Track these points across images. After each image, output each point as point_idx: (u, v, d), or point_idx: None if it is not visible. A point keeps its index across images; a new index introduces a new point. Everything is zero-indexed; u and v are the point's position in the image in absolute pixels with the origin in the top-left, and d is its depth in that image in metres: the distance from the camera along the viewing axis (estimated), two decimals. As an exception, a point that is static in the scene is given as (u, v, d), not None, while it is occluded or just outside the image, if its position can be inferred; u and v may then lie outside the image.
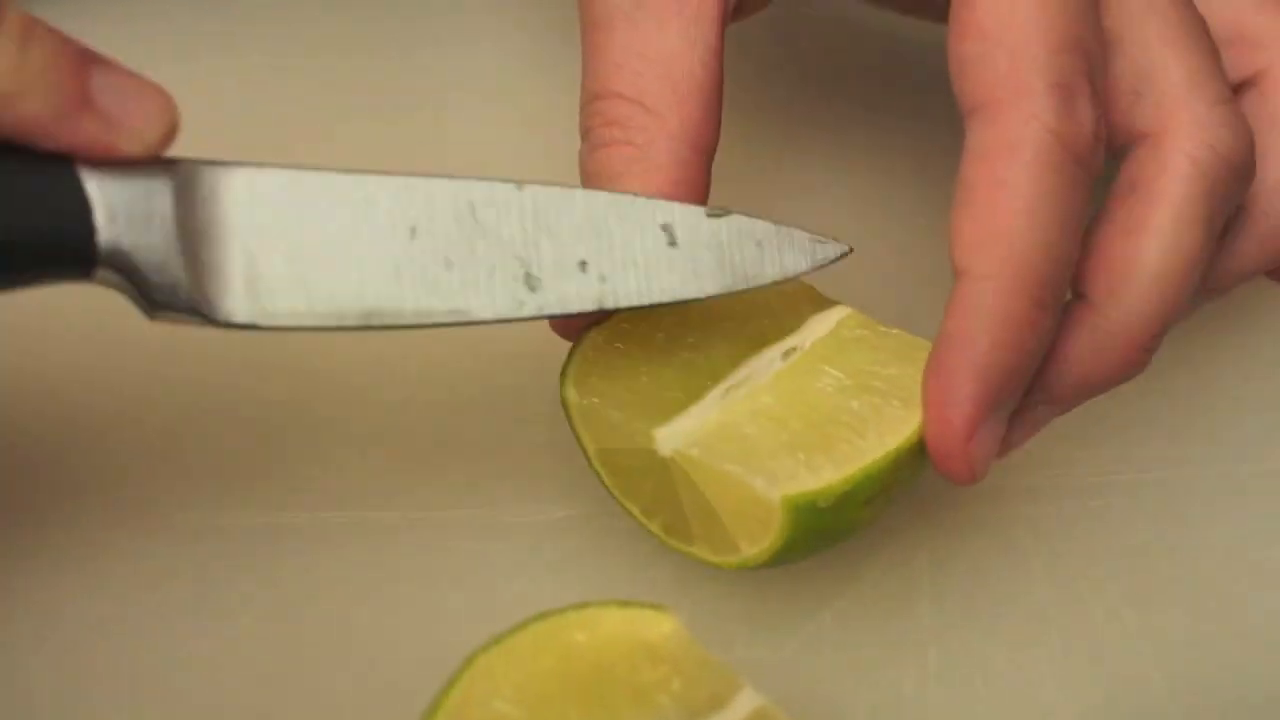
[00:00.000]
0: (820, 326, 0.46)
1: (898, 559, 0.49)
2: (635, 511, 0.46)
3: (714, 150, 0.46)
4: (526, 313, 0.42)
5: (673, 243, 0.44)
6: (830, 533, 0.44)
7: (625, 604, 0.42)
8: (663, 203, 0.44)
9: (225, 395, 0.51)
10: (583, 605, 0.41)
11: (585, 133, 0.46)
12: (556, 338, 0.46)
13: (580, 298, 0.43)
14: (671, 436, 0.44)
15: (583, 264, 0.43)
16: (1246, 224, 0.49)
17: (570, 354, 0.46)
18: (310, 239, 0.41)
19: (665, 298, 0.43)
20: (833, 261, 0.45)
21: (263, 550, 0.48)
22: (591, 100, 0.46)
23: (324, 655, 0.46)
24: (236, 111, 0.57)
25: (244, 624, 0.46)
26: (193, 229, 0.40)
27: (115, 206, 0.39)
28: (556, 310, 0.43)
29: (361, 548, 0.48)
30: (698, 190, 0.45)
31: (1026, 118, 0.42)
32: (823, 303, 0.47)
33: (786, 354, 0.45)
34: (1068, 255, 0.43)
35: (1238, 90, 0.48)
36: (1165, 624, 0.49)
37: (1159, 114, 0.45)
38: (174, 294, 0.40)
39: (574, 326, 0.46)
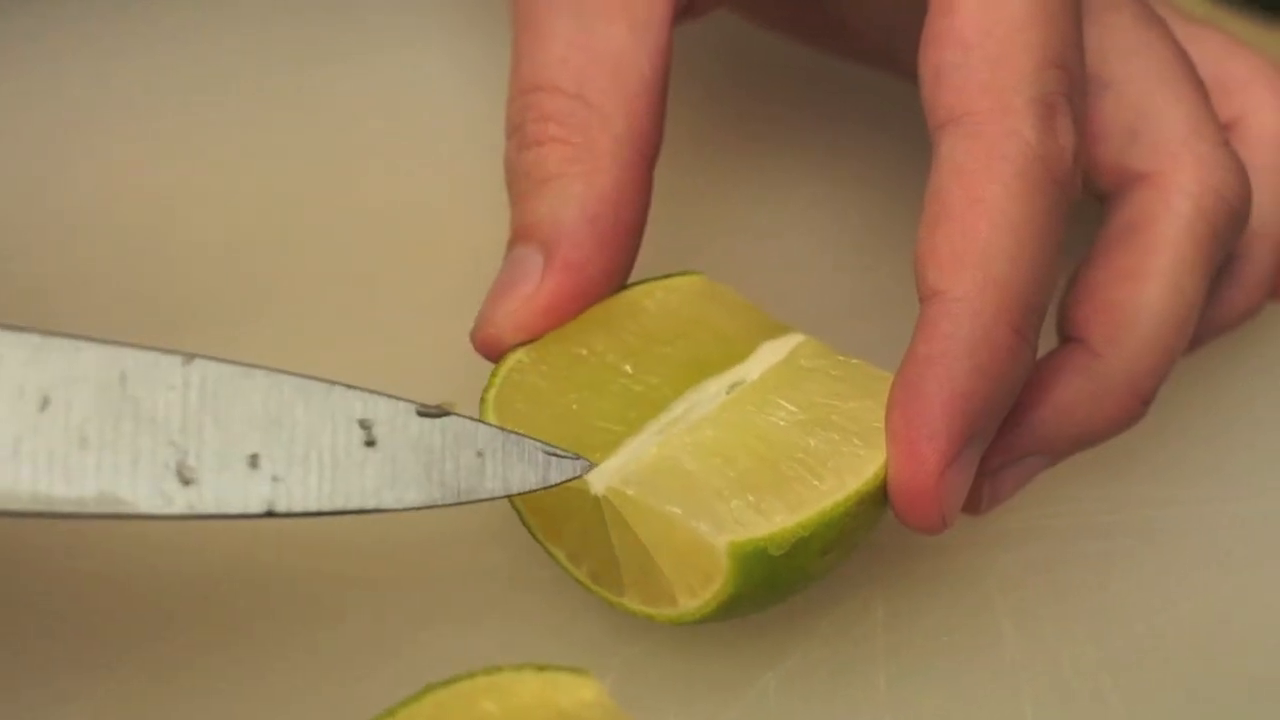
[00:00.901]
0: (772, 355, 0.43)
1: (852, 613, 0.45)
2: (560, 556, 0.42)
3: (656, 159, 0.44)
4: (175, 510, 0.36)
5: (370, 442, 0.38)
6: (781, 585, 0.41)
7: (542, 668, 0.38)
8: (366, 394, 0.38)
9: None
10: (493, 669, 0.38)
11: (514, 129, 0.44)
12: (478, 359, 0.43)
13: (245, 498, 0.37)
14: (604, 473, 0.40)
15: (253, 458, 0.37)
16: (1234, 272, 0.49)
17: (492, 376, 0.42)
18: None
19: (351, 505, 0.38)
20: (569, 480, 0.40)
21: (156, 598, 0.45)
22: (524, 93, 0.44)
23: (227, 700, 0.43)
24: (183, 124, 0.57)
25: (137, 670, 0.43)
26: None
27: None
28: (212, 511, 0.37)
29: (261, 598, 0.45)
30: (639, 201, 0.43)
31: (1007, 132, 0.41)
32: (775, 329, 0.44)
33: (733, 386, 0.43)
34: (1050, 282, 0.41)
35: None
36: (1144, 686, 0.45)
37: (1158, 155, 0.45)
38: None
39: (496, 344, 0.43)
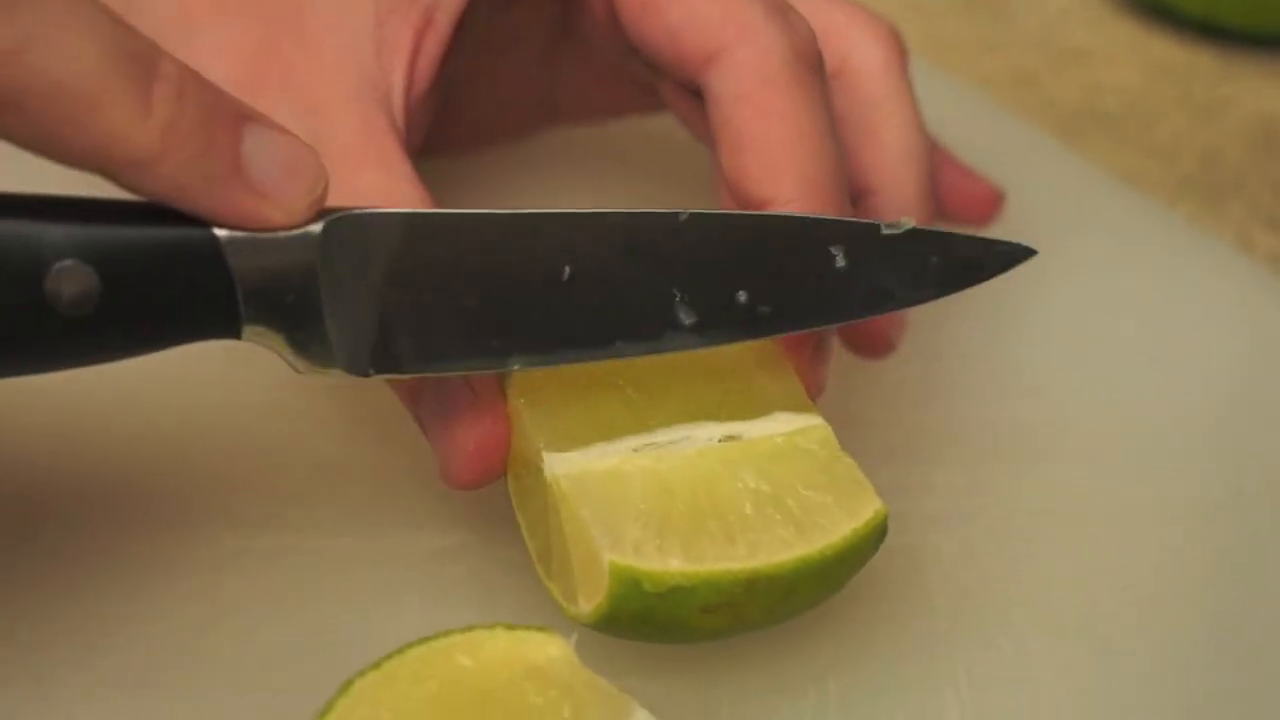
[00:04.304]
0: (780, 425, 0.43)
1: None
2: (522, 526, 0.44)
3: None
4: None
5: None
6: (658, 624, 0.40)
7: (512, 627, 0.40)
8: None
9: (101, 420, 0.49)
10: (468, 628, 0.40)
11: None
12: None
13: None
14: (559, 462, 0.41)
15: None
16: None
17: None
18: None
19: None
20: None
21: (144, 577, 0.46)
22: None
23: (204, 679, 0.44)
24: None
25: (119, 651, 0.44)
26: (335, 283, 0.39)
27: (257, 275, 0.38)
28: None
29: (241, 574, 0.47)
30: None
31: (764, 50, 0.45)
32: (802, 404, 0.44)
33: (727, 437, 0.43)
34: (839, 151, 0.46)
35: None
36: (1074, 656, 0.48)
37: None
38: (317, 354, 0.39)
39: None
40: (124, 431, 0.50)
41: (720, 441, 0.43)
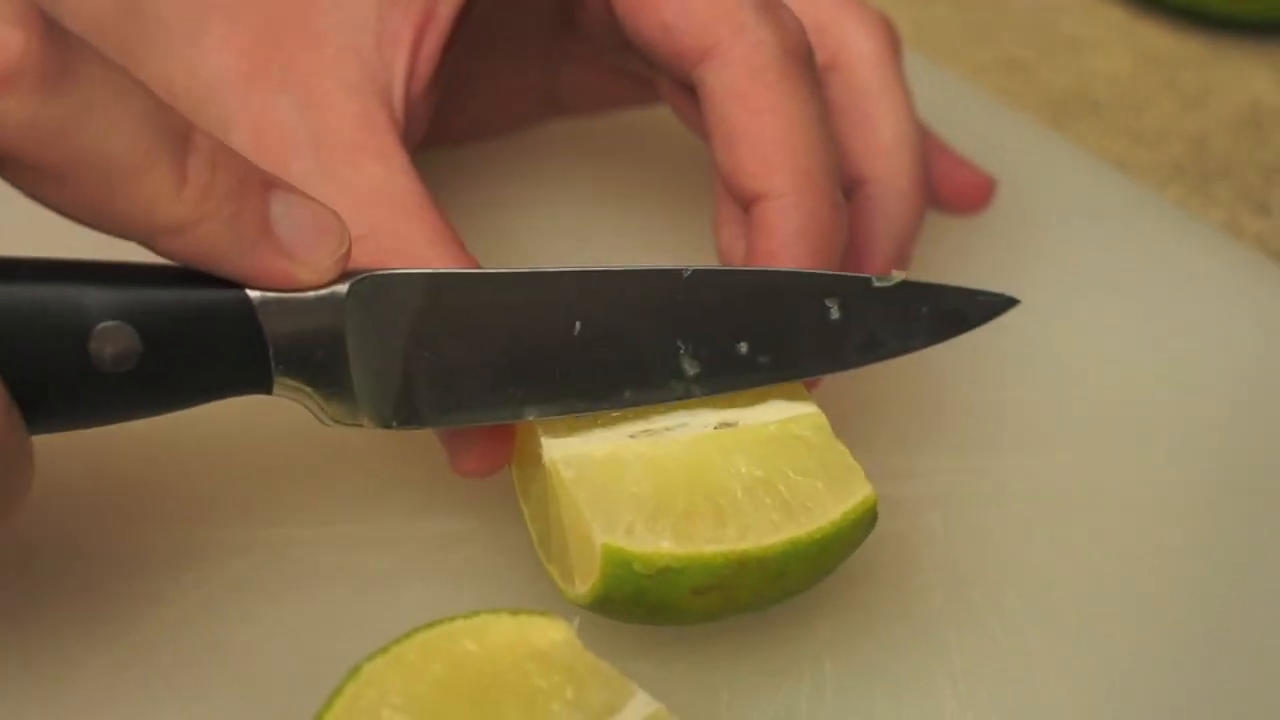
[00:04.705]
0: (776, 413, 0.44)
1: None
2: (525, 513, 0.45)
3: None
4: None
5: None
6: (651, 606, 0.41)
7: (516, 612, 0.41)
8: None
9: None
10: (472, 613, 0.41)
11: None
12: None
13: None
14: (557, 447, 0.43)
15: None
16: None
17: None
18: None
19: None
20: None
21: (154, 567, 0.47)
22: None
23: (214, 667, 0.45)
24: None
25: (130, 640, 0.45)
26: (361, 340, 0.41)
27: (287, 334, 0.40)
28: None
29: (251, 562, 0.48)
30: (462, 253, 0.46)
31: (756, 46, 0.46)
32: (798, 394, 0.45)
33: (723, 424, 0.44)
34: (832, 145, 0.47)
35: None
36: (1067, 637, 0.48)
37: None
38: (343, 407, 0.42)
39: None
40: (130, 424, 0.50)
41: (716, 428, 0.44)
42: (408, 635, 0.40)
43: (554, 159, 0.64)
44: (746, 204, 0.46)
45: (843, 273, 0.45)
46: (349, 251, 0.41)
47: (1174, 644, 0.48)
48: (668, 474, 0.42)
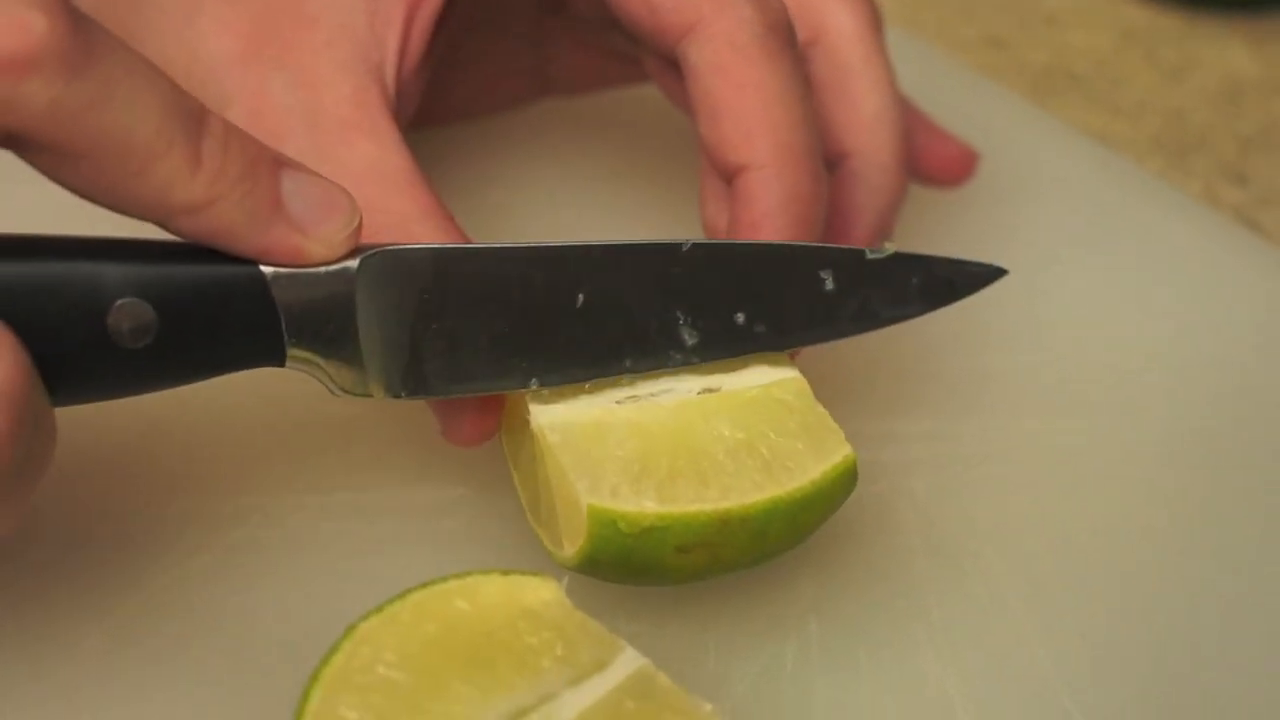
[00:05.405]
0: (757, 377, 0.46)
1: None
2: (515, 479, 0.46)
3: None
4: None
5: None
6: (637, 566, 0.42)
7: (507, 572, 0.42)
8: None
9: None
10: (464, 574, 0.42)
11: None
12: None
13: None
14: (544, 413, 0.44)
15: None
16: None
17: None
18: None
19: None
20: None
21: (156, 533, 0.48)
22: None
23: (213, 628, 0.46)
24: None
25: (136, 601, 0.46)
26: (371, 313, 0.42)
27: (300, 308, 0.41)
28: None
29: (250, 529, 0.49)
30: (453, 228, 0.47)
31: (738, 22, 0.47)
32: (779, 360, 0.46)
33: (706, 390, 0.45)
34: (814, 118, 0.48)
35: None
36: (1042, 590, 0.49)
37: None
38: (354, 378, 0.43)
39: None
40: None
41: (699, 394, 0.45)
42: (401, 595, 0.41)
43: (544, 138, 0.65)
44: (729, 176, 0.47)
45: (836, 245, 0.46)
46: (359, 227, 0.42)
47: (1150, 600, 0.49)
48: (652, 437, 0.43)
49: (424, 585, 0.41)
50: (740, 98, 0.47)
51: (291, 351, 0.42)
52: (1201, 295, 0.61)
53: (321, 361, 0.43)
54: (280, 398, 0.52)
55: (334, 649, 0.39)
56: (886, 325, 0.47)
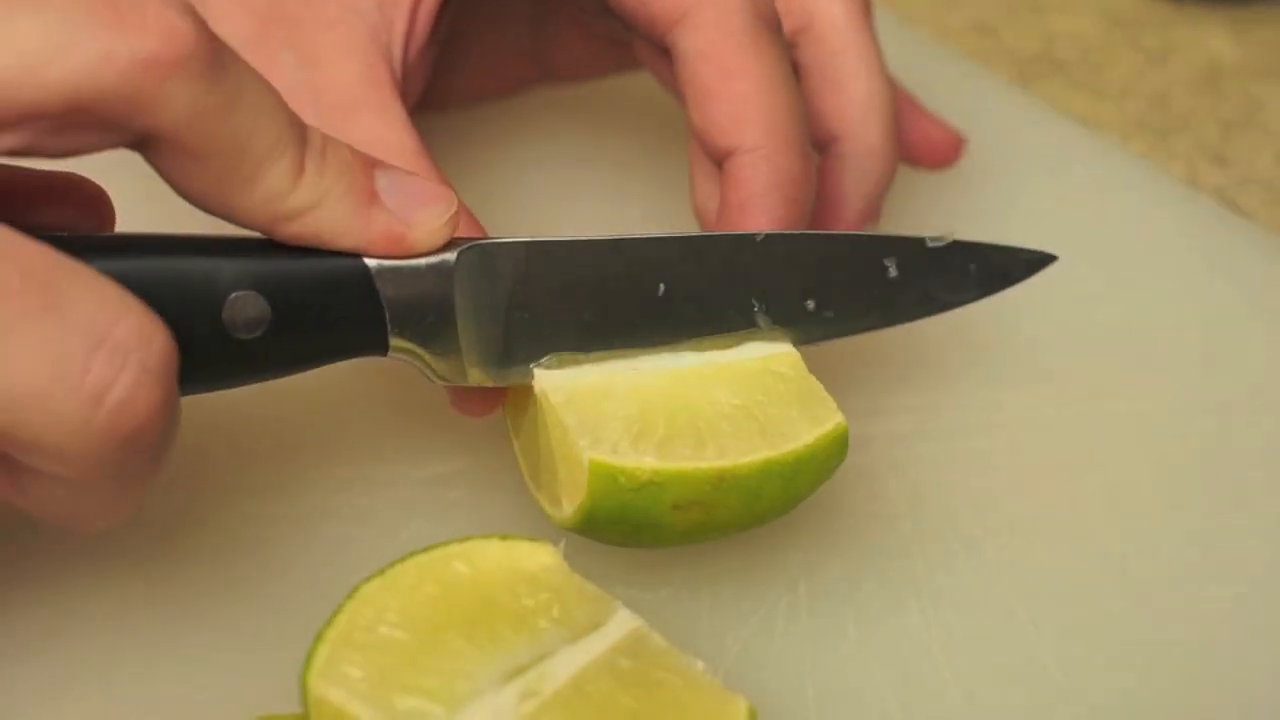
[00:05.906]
0: (753, 352, 0.47)
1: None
2: (516, 447, 0.47)
3: None
4: None
5: None
6: (634, 523, 0.44)
7: (506, 537, 0.43)
8: None
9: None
10: (464, 539, 0.43)
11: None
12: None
13: None
14: (549, 377, 0.45)
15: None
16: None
17: None
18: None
19: None
20: None
21: (167, 508, 0.49)
22: None
23: (225, 594, 0.47)
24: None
25: (150, 570, 0.47)
26: (468, 303, 0.44)
27: (402, 299, 0.43)
28: None
29: (259, 500, 0.50)
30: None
31: (725, 11, 0.48)
32: (775, 337, 0.48)
33: (705, 362, 0.47)
34: (800, 102, 0.49)
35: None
36: (1024, 554, 0.51)
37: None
38: (452, 365, 0.45)
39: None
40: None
41: (698, 365, 0.46)
42: (403, 559, 0.42)
43: (543, 123, 0.66)
44: (719, 159, 0.49)
45: (900, 235, 0.48)
46: (457, 215, 0.43)
47: (1133, 566, 0.51)
48: (652, 401, 0.45)
49: (425, 549, 0.42)
50: (729, 83, 0.48)
51: (394, 341, 0.44)
52: (1184, 272, 0.63)
53: (422, 350, 0.44)
54: (286, 380, 0.52)
55: (338, 610, 0.41)
56: (946, 310, 0.49)
